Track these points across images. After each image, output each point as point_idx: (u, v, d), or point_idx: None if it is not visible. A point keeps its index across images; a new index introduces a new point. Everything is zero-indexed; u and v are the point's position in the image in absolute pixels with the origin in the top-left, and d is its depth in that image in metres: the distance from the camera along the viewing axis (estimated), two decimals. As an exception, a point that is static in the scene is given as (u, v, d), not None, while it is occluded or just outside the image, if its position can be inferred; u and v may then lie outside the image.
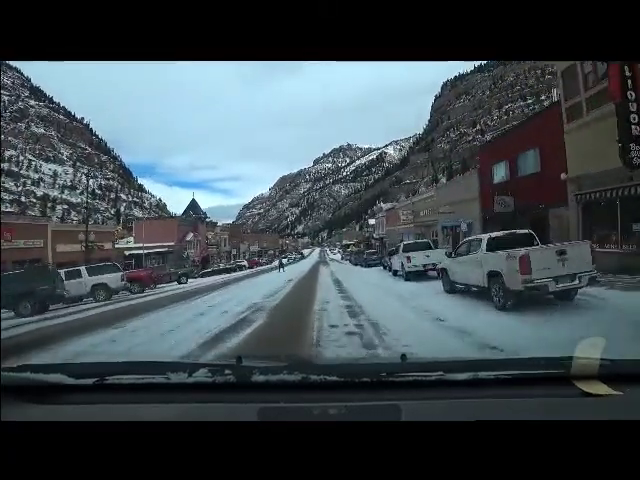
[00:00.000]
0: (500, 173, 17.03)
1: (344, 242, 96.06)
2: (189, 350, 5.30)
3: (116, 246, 33.01)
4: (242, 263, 43.21)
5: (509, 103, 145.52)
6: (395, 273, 16.51)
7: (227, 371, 1.08)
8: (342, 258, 53.10)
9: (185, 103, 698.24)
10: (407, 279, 13.85)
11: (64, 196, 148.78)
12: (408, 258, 13.81)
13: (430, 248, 14.83)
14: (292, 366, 1.15)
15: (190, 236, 42.32)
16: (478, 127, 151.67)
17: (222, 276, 30.82)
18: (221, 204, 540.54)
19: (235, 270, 38.07)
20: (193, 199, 54.86)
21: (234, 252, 59.04)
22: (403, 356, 1.21)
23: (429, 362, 1.22)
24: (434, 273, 13.38)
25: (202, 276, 33.58)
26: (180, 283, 24.36)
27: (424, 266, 13.50)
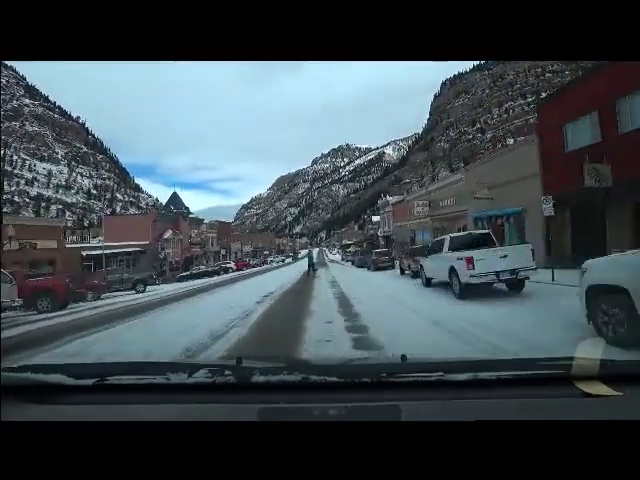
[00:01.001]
0: (582, 133, 11.33)
1: (343, 242, 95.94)
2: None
3: (67, 246, 27.03)
4: (228, 265, 39.12)
5: (509, 101, 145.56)
6: (429, 282, 11.16)
7: (227, 372, 1.07)
8: (343, 259, 50.43)
9: (185, 103, 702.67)
10: (461, 296, 8.35)
11: (58, 196, 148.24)
12: (469, 261, 8.04)
13: (494, 243, 9.61)
14: (292, 367, 1.15)
15: (169, 234, 37.11)
16: (478, 126, 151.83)
17: (198, 282, 26.17)
18: (220, 204, 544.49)
19: (218, 273, 33.51)
20: (174, 192, 49.30)
21: (223, 252, 54.43)
22: (403, 356, 1.21)
23: (429, 362, 1.21)
24: (501, 286, 8.67)
25: (179, 280, 30.16)
26: (138, 292, 20.11)
27: (497, 274, 7.97)
